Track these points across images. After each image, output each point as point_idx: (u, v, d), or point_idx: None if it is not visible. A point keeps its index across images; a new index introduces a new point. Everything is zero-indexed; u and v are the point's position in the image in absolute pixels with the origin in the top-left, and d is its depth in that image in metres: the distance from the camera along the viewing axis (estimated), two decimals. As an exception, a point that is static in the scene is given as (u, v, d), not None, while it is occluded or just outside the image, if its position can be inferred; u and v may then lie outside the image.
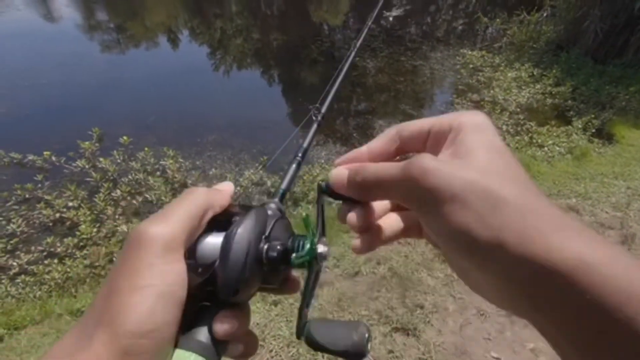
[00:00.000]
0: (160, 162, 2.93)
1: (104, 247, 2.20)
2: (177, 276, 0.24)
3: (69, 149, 2.99)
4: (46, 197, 2.53)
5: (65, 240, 2.23)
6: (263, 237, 0.28)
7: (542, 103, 4.15)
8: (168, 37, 6.47)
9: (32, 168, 2.84)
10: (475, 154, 0.22)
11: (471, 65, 5.09)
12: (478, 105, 4.10)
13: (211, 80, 5.03)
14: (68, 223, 2.38)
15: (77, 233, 2.26)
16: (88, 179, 2.74)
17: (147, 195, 2.63)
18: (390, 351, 1.55)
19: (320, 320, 0.28)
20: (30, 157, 2.88)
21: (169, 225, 0.25)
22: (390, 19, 7.16)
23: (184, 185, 2.77)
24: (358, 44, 0.83)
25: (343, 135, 3.70)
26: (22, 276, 2.01)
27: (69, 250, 2.17)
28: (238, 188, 2.74)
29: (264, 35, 6.72)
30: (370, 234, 0.29)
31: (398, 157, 0.29)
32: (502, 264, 0.19)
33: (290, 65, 5.52)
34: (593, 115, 3.72)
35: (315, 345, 0.28)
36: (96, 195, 2.57)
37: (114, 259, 2.12)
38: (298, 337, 0.28)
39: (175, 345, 0.25)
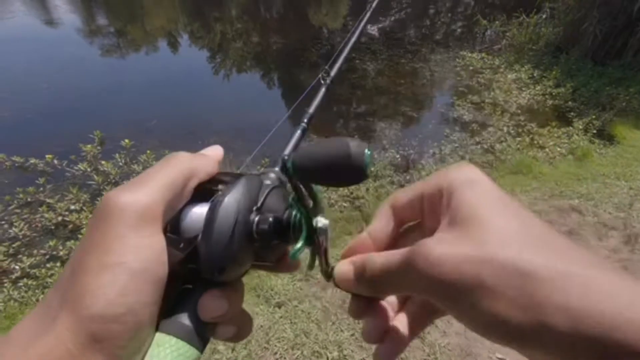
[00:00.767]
0: (162, 165, 2.92)
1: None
2: (153, 251, 0.21)
3: (70, 152, 2.99)
4: (48, 200, 2.53)
5: (67, 243, 2.22)
6: (254, 208, 0.25)
7: (542, 104, 4.16)
8: (168, 41, 6.49)
9: (34, 171, 2.83)
10: (478, 219, 0.19)
11: (471, 67, 5.11)
12: (479, 107, 4.11)
13: (212, 84, 5.04)
14: (70, 226, 2.37)
15: (79, 236, 2.25)
16: (90, 182, 2.73)
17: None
18: (395, 353, 1.54)
19: (303, 148, 0.24)
20: (32, 160, 2.88)
21: (144, 192, 0.22)
22: (388, 22, 7.18)
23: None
24: (373, 5, 0.81)
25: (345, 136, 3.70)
26: (25, 280, 2.00)
27: (72, 254, 2.16)
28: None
29: (264, 38, 6.74)
30: (391, 341, 0.25)
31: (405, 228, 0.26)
32: (557, 347, 0.16)
33: (290, 68, 5.53)
34: (594, 116, 3.72)
35: (303, 172, 0.24)
36: (98, 198, 2.56)
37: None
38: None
39: (157, 328, 0.22)
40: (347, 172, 0.23)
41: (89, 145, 3.01)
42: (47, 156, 2.87)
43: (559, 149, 3.32)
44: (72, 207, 2.49)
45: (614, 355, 0.15)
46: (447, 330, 1.65)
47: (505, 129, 3.69)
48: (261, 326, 1.65)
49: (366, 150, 0.22)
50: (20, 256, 2.17)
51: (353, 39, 0.63)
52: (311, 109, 0.44)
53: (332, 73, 0.53)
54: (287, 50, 6.17)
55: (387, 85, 4.85)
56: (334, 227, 2.31)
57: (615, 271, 0.17)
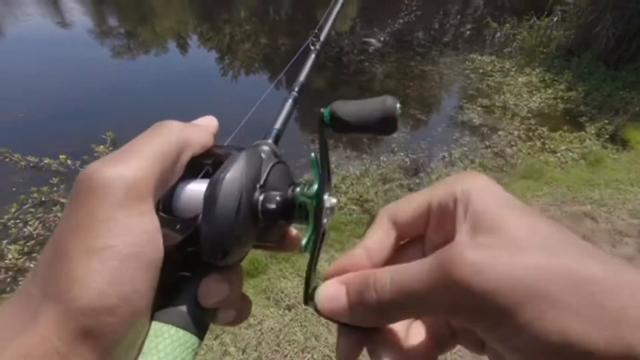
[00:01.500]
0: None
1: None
2: (145, 233, 0.19)
3: (83, 153, 3.03)
4: (62, 200, 2.57)
5: (80, 243, 2.26)
6: (258, 185, 0.23)
7: (554, 108, 4.12)
8: (178, 43, 6.55)
9: (48, 171, 2.88)
10: (507, 223, 0.17)
11: (481, 70, 5.07)
12: (489, 110, 4.08)
13: (220, 84, 5.09)
14: (83, 226, 2.41)
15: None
16: (102, 183, 2.77)
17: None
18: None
19: (341, 101, 0.24)
20: (46, 160, 2.93)
21: (131, 165, 0.19)
22: (397, 25, 7.17)
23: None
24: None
25: (353, 140, 3.69)
26: (39, 278, 2.04)
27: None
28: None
29: (272, 40, 6.77)
30: None
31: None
32: None
33: (298, 70, 5.54)
34: (607, 121, 3.67)
35: (340, 124, 0.23)
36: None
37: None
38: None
39: (152, 318, 0.20)
40: (381, 121, 0.22)
41: (102, 146, 3.05)
42: (61, 156, 2.92)
43: (570, 154, 3.28)
44: (85, 207, 2.53)
45: None
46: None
47: (515, 132, 3.66)
48: (272, 329, 1.66)
49: (398, 105, 0.23)
50: (34, 255, 2.21)
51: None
52: (301, 77, 0.40)
53: (322, 37, 0.47)
54: (295, 52, 6.18)
55: (396, 87, 4.84)
56: (344, 230, 2.31)
57: None
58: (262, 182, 0.24)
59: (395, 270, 0.19)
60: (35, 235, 2.32)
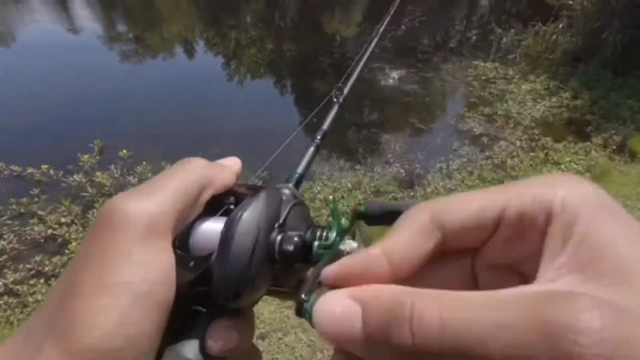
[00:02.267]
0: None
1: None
2: (162, 271, 0.19)
3: (69, 162, 2.96)
4: (40, 212, 2.48)
5: (53, 259, 2.17)
6: (276, 225, 0.23)
7: (558, 117, 3.96)
8: (184, 48, 6.51)
9: (30, 181, 2.81)
10: None
11: (484, 77, 4.94)
12: (490, 119, 3.94)
13: (223, 91, 5.02)
14: (59, 240, 2.32)
15: (66, 251, 2.19)
16: (84, 194, 2.69)
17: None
18: None
19: (373, 201, 0.21)
20: (29, 170, 2.86)
21: (154, 201, 0.20)
22: (399, 32, 7.08)
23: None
24: (383, 27, 0.84)
25: (348, 149, 3.58)
26: (6, 297, 1.94)
27: (56, 270, 2.10)
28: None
29: (277, 46, 6.71)
30: None
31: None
32: None
33: (302, 76, 5.47)
34: (614, 131, 3.51)
35: (371, 218, 0.23)
36: (89, 211, 2.51)
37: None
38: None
39: None
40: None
41: (87, 155, 2.97)
42: (43, 166, 2.85)
43: (575, 166, 3.12)
44: (63, 219, 2.44)
45: None
46: None
47: (518, 143, 3.51)
48: (275, 330, 1.55)
49: None
50: (5, 271, 2.12)
51: (365, 57, 0.64)
52: (325, 126, 0.43)
53: (345, 91, 0.51)
54: (301, 58, 6.12)
55: (396, 95, 4.73)
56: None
57: None
58: (281, 221, 0.23)
59: (449, 303, 0.12)
60: (8, 250, 2.23)
